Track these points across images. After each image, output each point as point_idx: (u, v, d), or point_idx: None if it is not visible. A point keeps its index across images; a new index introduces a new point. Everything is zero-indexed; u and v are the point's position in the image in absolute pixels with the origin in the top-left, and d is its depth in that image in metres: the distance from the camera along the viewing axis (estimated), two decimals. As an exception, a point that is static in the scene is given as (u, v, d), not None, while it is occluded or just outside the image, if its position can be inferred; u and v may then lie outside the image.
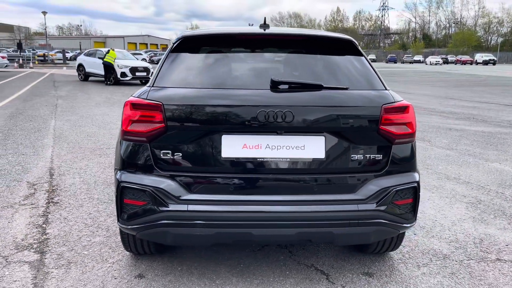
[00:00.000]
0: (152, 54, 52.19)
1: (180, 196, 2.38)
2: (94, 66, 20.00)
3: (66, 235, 3.42)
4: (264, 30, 2.84)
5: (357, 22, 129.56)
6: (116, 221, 2.61)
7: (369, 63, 2.74)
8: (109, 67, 18.40)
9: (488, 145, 7.16)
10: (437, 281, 2.82)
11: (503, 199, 4.47)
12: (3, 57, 27.51)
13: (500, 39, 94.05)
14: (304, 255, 3.13)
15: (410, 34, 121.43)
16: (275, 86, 2.45)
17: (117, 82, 18.63)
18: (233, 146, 2.41)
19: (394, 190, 2.47)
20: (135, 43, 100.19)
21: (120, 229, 2.73)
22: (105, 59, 18.42)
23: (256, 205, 2.38)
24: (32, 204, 4.11)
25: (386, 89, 2.61)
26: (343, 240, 2.62)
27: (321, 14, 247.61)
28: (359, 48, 2.81)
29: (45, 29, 50.40)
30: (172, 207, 2.37)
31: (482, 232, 3.63)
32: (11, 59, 33.86)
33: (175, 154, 2.43)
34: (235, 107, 2.38)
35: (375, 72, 2.70)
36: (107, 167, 5.44)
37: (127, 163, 2.49)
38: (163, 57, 2.73)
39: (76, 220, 3.73)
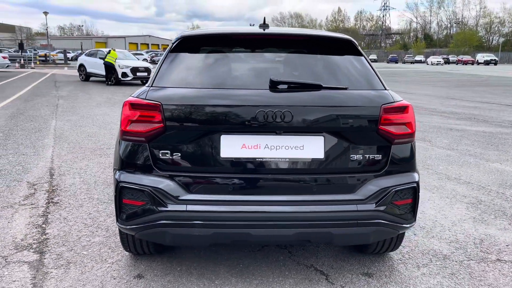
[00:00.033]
0: (153, 54, 52.24)
1: (179, 196, 2.37)
2: (95, 66, 20.02)
3: (66, 235, 3.42)
4: (264, 30, 2.83)
5: (358, 22, 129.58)
6: (115, 221, 2.61)
7: (369, 63, 2.74)
8: (110, 67, 18.42)
9: (489, 145, 7.15)
10: (437, 282, 2.81)
11: (503, 200, 4.46)
12: (4, 57, 27.54)
13: (501, 39, 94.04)
14: (303, 256, 3.12)
15: (411, 34, 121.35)
16: (274, 86, 2.45)
17: (118, 82, 18.64)
18: (232, 146, 2.40)
19: (393, 190, 2.46)
20: (136, 43, 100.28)
21: (119, 229, 2.73)
22: (106, 59, 18.44)
23: (254, 205, 2.38)
24: (32, 204, 4.11)
25: (385, 89, 2.61)
26: (342, 240, 2.62)
27: (322, 14, 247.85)
28: (359, 48, 2.81)
29: (46, 29, 50.54)
30: (171, 207, 2.36)
31: (483, 232, 3.62)
32: (12, 60, 33.91)
33: (174, 154, 2.42)
34: (234, 107, 2.38)
35: (375, 72, 2.69)
36: (107, 167, 5.44)
37: (126, 163, 2.49)
38: (162, 57, 2.73)
39: (76, 220, 3.73)
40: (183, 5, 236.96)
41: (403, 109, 2.53)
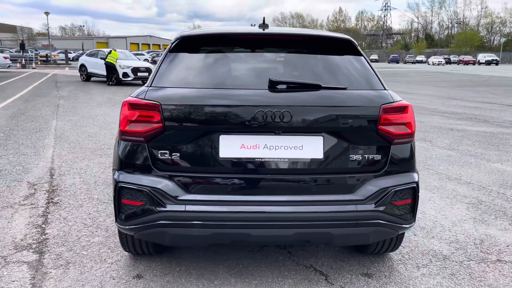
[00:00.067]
0: (154, 54, 52.28)
1: (177, 196, 2.37)
2: (96, 66, 20.04)
3: (65, 235, 3.42)
4: (263, 30, 2.83)
5: (360, 22, 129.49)
6: (114, 221, 2.61)
7: (368, 63, 2.73)
8: (111, 68, 18.43)
9: (489, 145, 7.13)
10: (437, 282, 2.80)
11: (504, 200, 4.44)
12: (5, 58, 27.59)
13: (503, 39, 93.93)
14: (303, 256, 3.12)
15: (413, 34, 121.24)
16: (273, 86, 2.44)
17: (119, 83, 18.66)
18: (231, 146, 2.40)
19: (393, 190, 2.46)
20: (138, 44, 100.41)
21: (118, 229, 2.72)
22: (107, 60, 18.46)
23: (254, 205, 2.37)
24: (32, 204, 4.11)
25: (385, 89, 2.60)
26: (342, 240, 2.61)
27: (324, 14, 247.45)
28: (358, 48, 2.80)
29: (47, 29, 50.58)
30: (169, 207, 2.36)
31: (483, 232, 3.61)
32: (13, 60, 33.95)
33: (173, 154, 2.42)
34: (233, 107, 2.37)
35: (374, 72, 2.69)
36: (108, 167, 5.44)
37: (125, 163, 2.49)
38: (161, 57, 2.73)
39: (76, 220, 3.72)
40: (184, 5, 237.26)
41: (403, 109, 2.53)
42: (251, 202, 2.38)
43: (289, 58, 2.86)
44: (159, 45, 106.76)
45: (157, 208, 2.37)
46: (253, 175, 2.42)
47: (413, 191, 2.54)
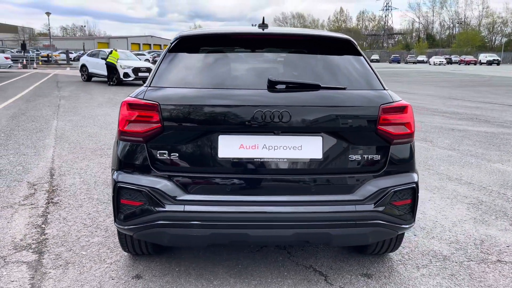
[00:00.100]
0: (155, 54, 52.23)
1: (176, 197, 2.37)
2: (97, 66, 20.05)
3: (65, 236, 3.42)
4: (263, 29, 2.82)
5: (361, 22, 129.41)
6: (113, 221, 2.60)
7: (368, 63, 2.72)
8: (112, 68, 18.44)
9: (490, 145, 7.12)
10: (437, 283, 2.79)
11: (504, 200, 4.43)
12: (6, 58, 27.64)
13: (504, 39, 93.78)
14: (302, 256, 3.11)
15: (414, 34, 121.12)
16: (272, 86, 2.44)
17: (120, 83, 18.66)
18: (230, 146, 2.39)
19: (392, 190, 2.45)
20: (139, 44, 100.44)
21: (117, 229, 2.72)
22: (108, 60, 18.47)
23: (252, 205, 2.37)
24: (31, 204, 4.11)
25: (384, 89, 2.60)
26: (341, 241, 2.60)
27: (325, 14, 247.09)
28: (358, 47, 2.79)
29: (49, 30, 50.65)
30: (168, 207, 2.36)
31: (483, 233, 3.60)
32: (15, 60, 34.00)
33: (172, 154, 2.42)
34: (232, 107, 2.37)
35: (374, 72, 2.68)
36: (108, 168, 5.44)
37: (123, 163, 2.49)
38: (160, 57, 2.72)
39: (75, 221, 3.72)
40: (185, 5, 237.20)
41: (402, 109, 2.52)
42: (250, 202, 2.38)
43: (289, 58, 2.86)
44: (160, 45, 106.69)
45: (156, 208, 2.37)
46: (252, 175, 2.41)
47: (413, 191, 2.53)
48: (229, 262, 3.00)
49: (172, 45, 2.71)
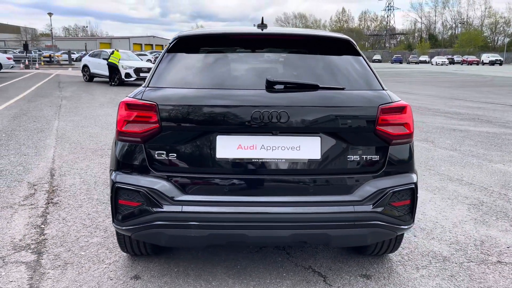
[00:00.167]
0: (157, 55, 52.37)
1: (174, 197, 2.36)
2: (99, 67, 20.08)
3: (64, 236, 3.42)
4: (262, 30, 2.82)
5: (363, 22, 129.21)
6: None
7: (367, 63, 2.71)
8: (113, 68, 18.46)
9: (492, 146, 7.09)
10: (436, 284, 2.78)
11: (505, 201, 4.41)
12: (9, 58, 27.66)
13: (506, 39, 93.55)
14: (302, 257, 3.10)
15: (416, 34, 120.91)
16: (270, 86, 2.43)
17: (122, 83, 18.67)
18: (228, 147, 2.39)
19: (391, 191, 2.44)
20: (141, 44, 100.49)
21: (116, 230, 2.72)
22: (109, 60, 18.49)
23: (250, 206, 2.36)
24: (31, 205, 4.11)
25: (383, 89, 2.59)
26: (339, 241, 2.59)
27: (327, 14, 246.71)
28: (357, 48, 2.78)
29: (51, 30, 50.75)
30: (166, 208, 2.35)
31: (484, 234, 3.58)
32: (17, 60, 34.08)
33: (170, 154, 2.41)
34: (230, 107, 2.36)
35: (373, 72, 2.67)
36: (108, 168, 5.43)
37: (121, 163, 2.49)
38: (159, 57, 2.72)
39: (75, 221, 3.72)
40: (187, 5, 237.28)
41: (401, 109, 2.51)
42: (248, 203, 2.37)
43: (288, 58, 2.85)
44: (162, 45, 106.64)
45: (154, 208, 2.36)
46: (250, 176, 2.40)
47: (412, 192, 2.52)
48: (228, 262, 3.00)
49: (171, 45, 2.70)
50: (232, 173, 2.40)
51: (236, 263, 2.99)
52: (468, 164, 5.87)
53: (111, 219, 3.74)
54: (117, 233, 2.83)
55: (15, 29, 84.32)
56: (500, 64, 61.80)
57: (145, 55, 42.32)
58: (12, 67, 28.29)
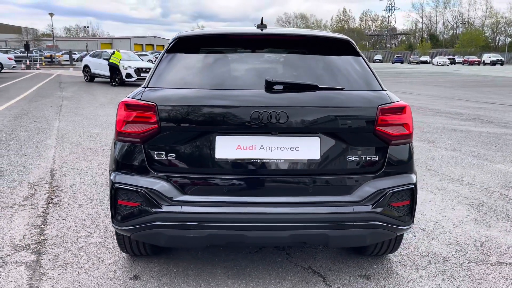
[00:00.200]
0: (158, 55, 52.32)
1: (173, 198, 2.36)
2: (100, 67, 20.10)
3: (64, 236, 3.42)
4: (261, 30, 2.81)
5: (364, 22, 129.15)
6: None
7: (366, 63, 2.71)
8: (114, 68, 18.49)
9: (493, 146, 7.08)
10: (436, 284, 2.78)
11: (506, 201, 4.41)
12: (10, 59, 27.71)
13: (508, 39, 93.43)
14: (301, 257, 3.10)
15: (417, 34, 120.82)
16: (269, 86, 2.43)
17: (123, 83, 18.70)
18: (227, 147, 2.38)
19: (390, 192, 2.43)
20: (142, 44, 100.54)
21: (115, 230, 2.72)
22: (110, 60, 18.52)
23: (249, 206, 2.36)
24: (31, 205, 4.11)
25: (382, 90, 2.58)
26: (338, 242, 2.59)
27: (328, 14, 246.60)
28: (356, 48, 2.78)
29: (52, 30, 50.80)
30: (165, 208, 2.35)
31: (484, 234, 3.58)
32: (18, 61, 34.13)
33: (169, 155, 2.41)
34: (229, 107, 2.36)
35: (372, 72, 2.67)
36: (108, 168, 5.43)
37: (121, 164, 2.49)
38: (158, 57, 2.72)
39: (75, 221, 3.73)
40: (188, 6, 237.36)
41: (400, 109, 2.51)
42: (247, 203, 2.37)
43: (287, 58, 2.85)
44: (163, 45, 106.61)
45: (153, 209, 2.36)
46: (249, 176, 2.40)
47: (411, 193, 2.51)
48: (227, 263, 3.00)
49: (170, 45, 2.71)
50: (231, 174, 2.40)
51: (235, 263, 2.99)
52: (468, 165, 5.86)
53: (110, 219, 3.74)
54: (116, 233, 2.83)
55: (16, 30, 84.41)
56: (502, 64, 61.74)
57: (146, 55, 42.31)
58: (13, 67, 28.35)
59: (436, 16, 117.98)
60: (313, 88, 2.46)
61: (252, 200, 2.39)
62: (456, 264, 3.05)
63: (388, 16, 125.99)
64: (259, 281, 2.77)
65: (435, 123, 9.41)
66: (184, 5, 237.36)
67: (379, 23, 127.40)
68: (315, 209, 2.36)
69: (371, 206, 2.40)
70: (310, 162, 2.41)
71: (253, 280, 2.79)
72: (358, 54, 2.73)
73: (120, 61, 18.47)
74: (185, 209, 2.34)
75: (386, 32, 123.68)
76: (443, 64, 61.04)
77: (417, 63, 71.62)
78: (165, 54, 2.68)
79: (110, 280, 2.77)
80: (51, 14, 47.03)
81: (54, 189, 4.61)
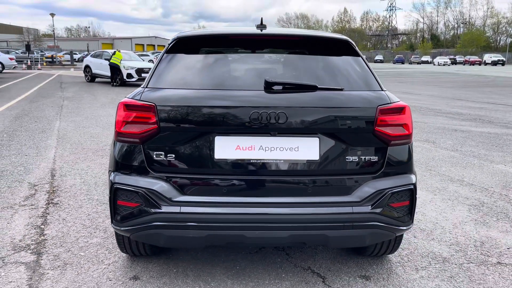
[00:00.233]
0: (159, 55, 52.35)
1: (172, 198, 2.36)
2: (101, 67, 20.13)
3: (64, 236, 3.42)
4: (261, 30, 2.81)
5: (365, 22, 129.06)
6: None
7: (366, 64, 2.71)
8: (115, 68, 18.51)
9: (493, 146, 7.07)
10: (435, 285, 2.77)
11: (506, 202, 4.40)
12: (11, 59, 27.75)
13: (509, 40, 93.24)
14: (301, 258, 3.10)
15: (418, 34, 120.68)
16: (269, 87, 2.43)
17: (123, 83, 18.72)
18: (226, 148, 2.38)
19: (389, 192, 2.43)
20: (143, 45, 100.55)
21: (114, 230, 2.72)
22: (111, 61, 18.54)
23: (249, 207, 2.36)
24: (32, 205, 4.12)
25: (382, 90, 2.58)
26: (337, 242, 2.58)
27: (328, 14, 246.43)
28: (356, 48, 2.78)
29: (53, 31, 50.84)
30: (164, 208, 2.35)
31: (484, 235, 3.57)
32: (19, 61, 34.16)
33: (168, 155, 2.41)
34: (228, 108, 2.36)
35: (372, 72, 2.66)
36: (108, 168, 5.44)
37: (120, 164, 2.49)
38: (158, 58, 2.72)
39: (75, 221, 3.73)
40: (189, 6, 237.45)
41: (400, 110, 2.50)
42: (246, 203, 2.37)
43: (287, 58, 2.85)
44: (164, 46, 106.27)
45: (152, 209, 2.36)
46: (249, 177, 2.40)
47: (411, 193, 2.51)
48: (227, 263, 3.00)
49: (170, 46, 2.71)
50: (231, 174, 2.40)
51: (235, 263, 2.99)
52: (469, 165, 5.85)
53: (110, 219, 3.75)
54: (116, 233, 2.83)
55: (17, 30, 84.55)
56: (503, 64, 61.67)
57: (147, 55, 42.32)
58: (14, 67, 28.38)
59: (437, 16, 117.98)
60: (312, 88, 2.46)
61: (251, 200, 2.38)
62: (456, 264, 3.05)
63: (389, 16, 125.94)
64: (258, 282, 2.77)
65: (436, 123, 9.40)
66: (185, 6, 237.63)
67: (380, 23, 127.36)
68: (315, 210, 2.36)
69: (370, 206, 2.40)
70: (310, 162, 2.41)
71: (253, 280, 2.79)
72: (357, 55, 2.73)
73: (121, 61, 18.49)
74: (185, 209, 2.34)
75: (387, 32, 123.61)
76: (444, 64, 60.98)
77: (418, 63, 71.58)
78: (165, 55, 2.69)
79: (110, 280, 2.77)
80: (52, 15, 47.12)
81: (54, 189, 4.61)
